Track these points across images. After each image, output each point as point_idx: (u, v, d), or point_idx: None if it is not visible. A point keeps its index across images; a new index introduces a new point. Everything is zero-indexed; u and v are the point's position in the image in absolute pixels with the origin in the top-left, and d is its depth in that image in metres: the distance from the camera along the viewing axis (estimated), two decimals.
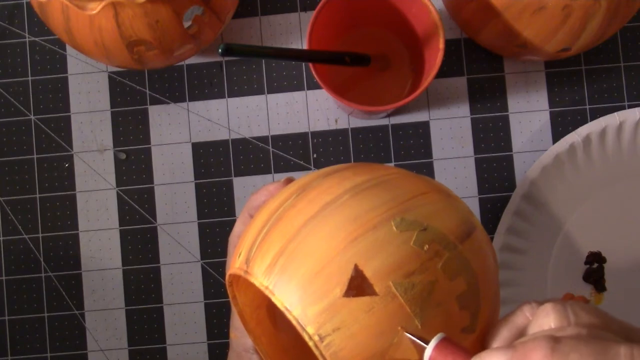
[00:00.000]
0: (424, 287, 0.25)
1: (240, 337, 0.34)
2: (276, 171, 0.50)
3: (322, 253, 0.26)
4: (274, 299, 0.26)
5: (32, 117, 0.51)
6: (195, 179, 0.51)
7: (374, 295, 0.25)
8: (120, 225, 0.51)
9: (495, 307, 0.28)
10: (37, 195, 0.51)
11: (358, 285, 0.25)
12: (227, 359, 0.36)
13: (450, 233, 0.27)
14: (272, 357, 0.32)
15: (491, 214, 0.50)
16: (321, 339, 0.25)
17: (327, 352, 0.25)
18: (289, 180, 0.34)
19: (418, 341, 0.25)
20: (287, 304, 0.25)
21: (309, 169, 0.50)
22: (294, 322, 0.25)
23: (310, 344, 0.25)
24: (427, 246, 0.26)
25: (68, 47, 0.51)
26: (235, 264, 0.28)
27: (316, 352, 0.25)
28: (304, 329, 0.25)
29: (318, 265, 0.26)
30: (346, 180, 0.28)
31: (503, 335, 0.25)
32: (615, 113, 0.48)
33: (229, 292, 0.31)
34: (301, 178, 0.30)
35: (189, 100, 0.51)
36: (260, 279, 0.26)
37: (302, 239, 0.26)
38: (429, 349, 0.24)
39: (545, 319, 0.24)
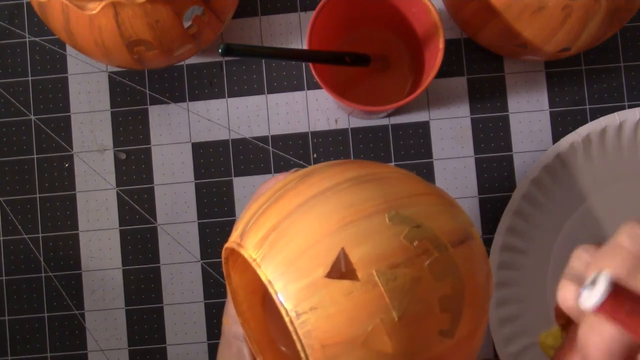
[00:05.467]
0: (406, 281, 0.25)
1: (232, 324, 0.34)
2: (276, 171, 0.50)
3: (312, 233, 0.26)
4: (259, 272, 0.26)
5: (32, 117, 0.51)
6: (195, 179, 0.51)
7: (355, 280, 0.25)
8: (120, 225, 0.51)
9: (480, 321, 0.28)
10: (37, 195, 0.51)
11: (342, 269, 0.25)
12: (219, 345, 0.36)
13: (443, 235, 0.27)
14: (258, 342, 0.32)
15: (491, 214, 0.50)
16: (297, 315, 0.25)
17: (302, 330, 0.25)
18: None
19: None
20: (271, 277, 0.26)
21: None
22: (274, 296, 0.25)
23: (287, 319, 0.25)
24: (417, 242, 0.26)
25: (68, 47, 0.51)
26: (231, 238, 0.29)
27: (291, 329, 0.25)
28: (282, 304, 0.25)
29: (306, 244, 0.26)
30: (350, 171, 0.29)
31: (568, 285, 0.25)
32: (615, 113, 0.48)
33: (224, 269, 0.31)
34: (308, 167, 0.31)
35: (189, 100, 0.51)
36: (250, 251, 0.27)
37: (296, 218, 0.27)
38: (599, 295, 0.20)
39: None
